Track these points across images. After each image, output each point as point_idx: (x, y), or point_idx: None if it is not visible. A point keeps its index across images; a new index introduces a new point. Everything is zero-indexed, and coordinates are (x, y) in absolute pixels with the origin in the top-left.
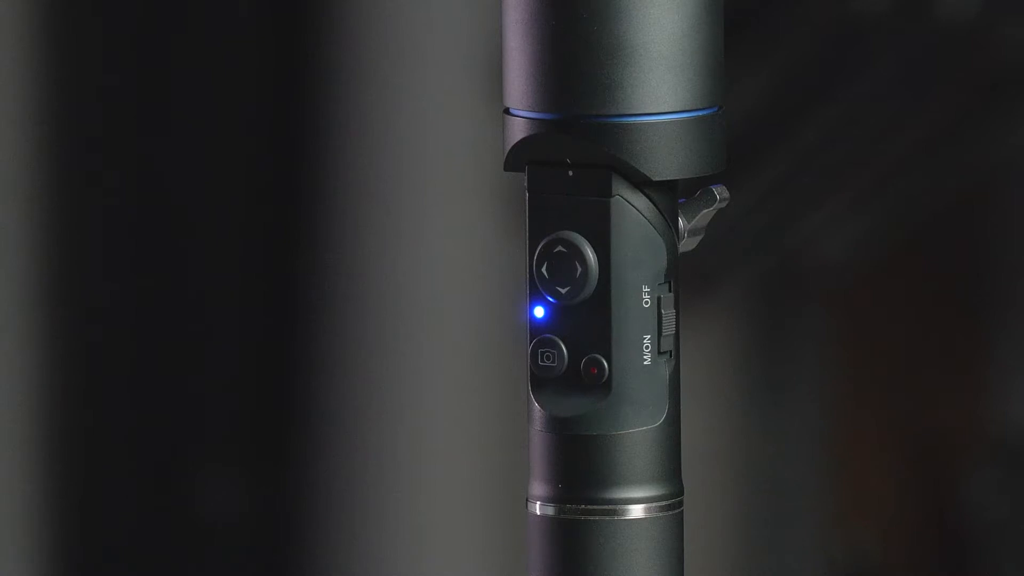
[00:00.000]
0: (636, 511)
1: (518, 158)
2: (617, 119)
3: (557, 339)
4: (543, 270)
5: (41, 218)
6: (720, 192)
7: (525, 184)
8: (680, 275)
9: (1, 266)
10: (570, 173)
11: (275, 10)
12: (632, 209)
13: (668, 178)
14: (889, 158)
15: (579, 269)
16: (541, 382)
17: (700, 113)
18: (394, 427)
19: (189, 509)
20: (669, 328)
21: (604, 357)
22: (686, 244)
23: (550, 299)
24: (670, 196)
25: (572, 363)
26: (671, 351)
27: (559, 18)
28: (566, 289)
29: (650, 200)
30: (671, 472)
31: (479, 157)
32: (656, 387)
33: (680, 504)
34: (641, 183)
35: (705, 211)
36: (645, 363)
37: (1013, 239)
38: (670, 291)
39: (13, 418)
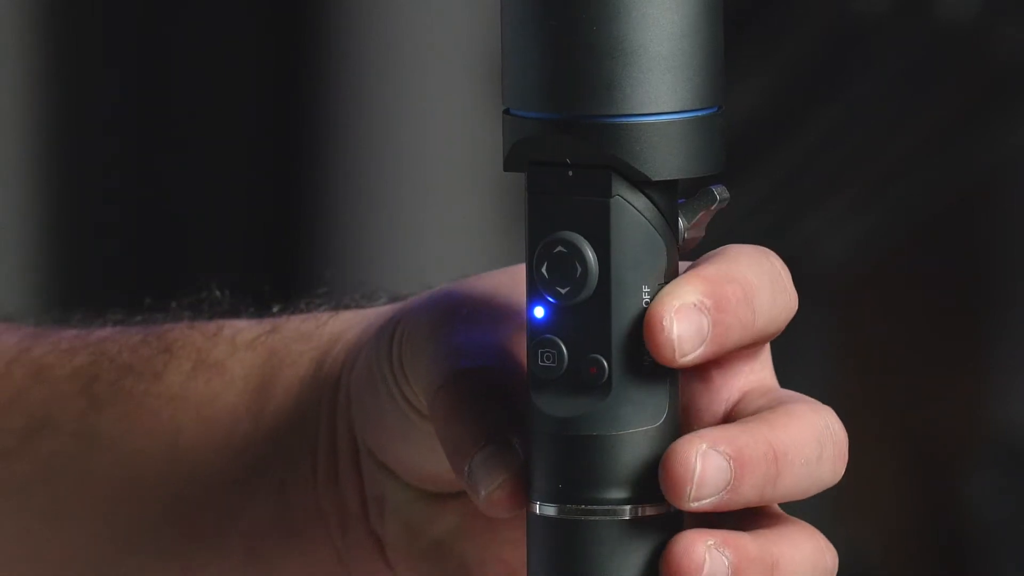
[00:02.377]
0: (636, 511)
1: (518, 158)
2: (617, 119)
3: (557, 339)
4: (543, 270)
5: (41, 217)
6: (720, 192)
7: (525, 184)
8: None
9: (1, 266)
10: (570, 173)
11: (275, 10)
12: (632, 209)
13: (668, 178)
14: (889, 158)
15: (579, 269)
16: (541, 382)
17: (700, 113)
18: None
19: None
20: None
21: (604, 357)
22: (686, 244)
23: (550, 299)
24: (670, 196)
25: (572, 363)
26: None
27: (559, 18)
28: (566, 289)
29: (650, 200)
30: None
31: (479, 157)
32: (656, 387)
33: None
34: (641, 183)
35: (705, 211)
36: (645, 363)
37: (1013, 239)
38: None
39: None
